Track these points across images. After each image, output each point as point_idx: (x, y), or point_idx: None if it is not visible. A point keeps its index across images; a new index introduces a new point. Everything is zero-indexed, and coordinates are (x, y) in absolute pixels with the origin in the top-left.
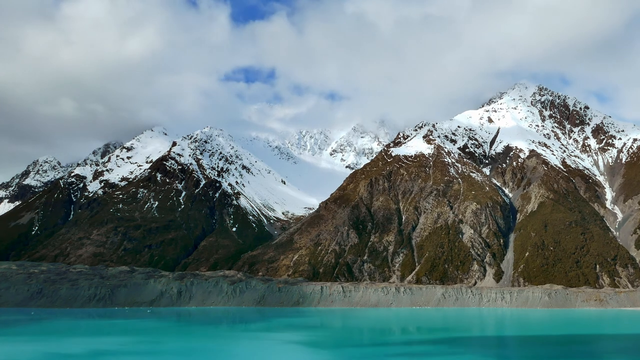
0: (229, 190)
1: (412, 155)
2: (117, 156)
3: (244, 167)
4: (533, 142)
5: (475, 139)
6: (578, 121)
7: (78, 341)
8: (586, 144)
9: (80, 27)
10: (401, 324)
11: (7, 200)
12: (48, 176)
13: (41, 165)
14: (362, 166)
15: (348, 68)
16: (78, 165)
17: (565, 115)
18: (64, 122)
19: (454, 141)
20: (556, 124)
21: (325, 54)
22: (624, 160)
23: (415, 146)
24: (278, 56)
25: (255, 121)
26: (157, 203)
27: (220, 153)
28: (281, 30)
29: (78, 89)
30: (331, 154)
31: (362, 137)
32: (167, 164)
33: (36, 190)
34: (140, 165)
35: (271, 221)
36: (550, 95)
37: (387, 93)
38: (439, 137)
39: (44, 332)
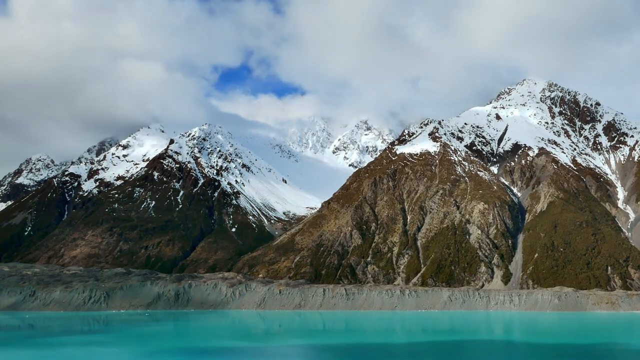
0: (229, 190)
1: (417, 154)
2: (113, 154)
3: (243, 165)
4: (542, 139)
5: (483, 137)
6: (589, 118)
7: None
8: (597, 141)
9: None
10: (406, 328)
11: None
12: (41, 175)
13: (34, 163)
14: (365, 164)
15: (349, 63)
16: (72, 163)
17: (575, 112)
18: (57, 120)
19: (460, 139)
20: (566, 121)
21: (324, 46)
22: (636, 158)
23: (421, 144)
24: (271, 47)
25: (253, 117)
26: (154, 203)
27: (220, 151)
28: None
29: (65, 85)
30: (334, 152)
31: (365, 134)
32: (164, 162)
33: (29, 189)
34: (136, 164)
35: (272, 221)
36: (560, 92)
37: (391, 89)
38: (445, 134)
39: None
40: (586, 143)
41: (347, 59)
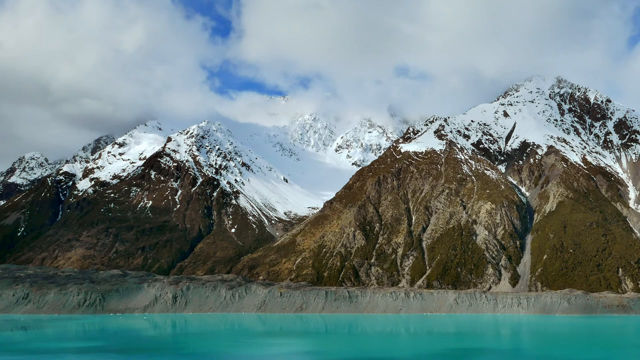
0: (228, 189)
1: (422, 152)
2: (109, 152)
3: (243, 164)
4: (551, 137)
5: (490, 134)
6: (599, 115)
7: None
8: (608, 139)
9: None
10: (411, 332)
11: None
12: (35, 174)
13: (27, 162)
14: (369, 163)
15: (352, 58)
16: (67, 162)
17: (585, 109)
18: (51, 118)
19: (467, 136)
20: (576, 119)
21: (325, 40)
22: None
23: (426, 142)
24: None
25: (253, 115)
26: (150, 202)
27: (219, 149)
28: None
29: (60, 82)
30: (336, 150)
31: (369, 132)
32: (161, 160)
33: (22, 188)
34: (133, 162)
35: (272, 222)
36: (570, 88)
37: (394, 86)
38: (451, 132)
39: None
40: (596, 141)
41: (347, 57)
